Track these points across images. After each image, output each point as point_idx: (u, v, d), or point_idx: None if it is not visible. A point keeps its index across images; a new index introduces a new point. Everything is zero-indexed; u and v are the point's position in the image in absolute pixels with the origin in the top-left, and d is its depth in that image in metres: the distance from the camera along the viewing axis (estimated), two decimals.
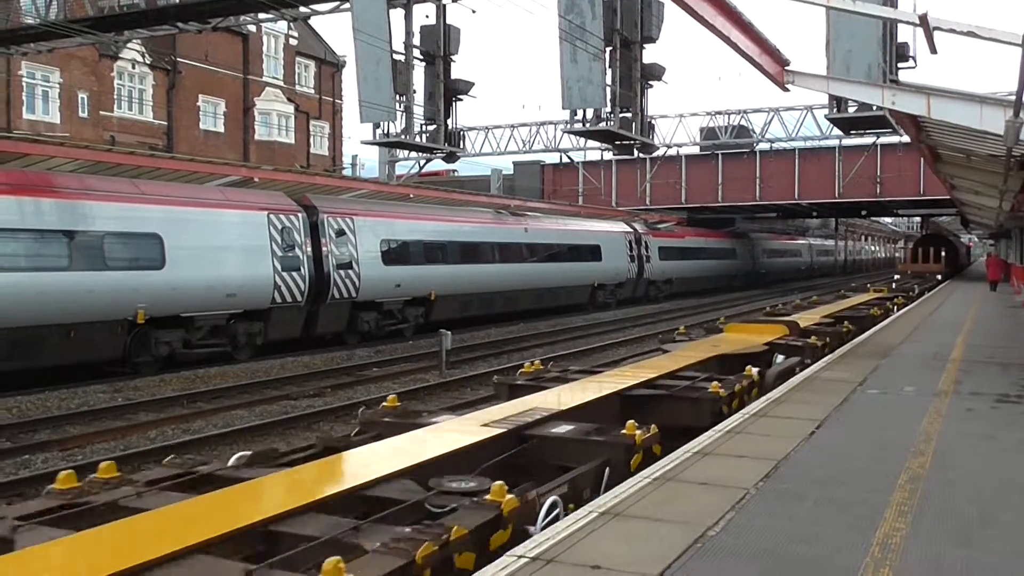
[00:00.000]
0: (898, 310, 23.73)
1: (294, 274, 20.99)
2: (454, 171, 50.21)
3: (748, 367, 10.39)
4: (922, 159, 29.19)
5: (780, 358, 12.39)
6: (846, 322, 17.25)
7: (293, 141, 50.01)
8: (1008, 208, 25.47)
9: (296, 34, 50.05)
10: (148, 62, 42.06)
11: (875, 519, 5.39)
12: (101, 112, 39.65)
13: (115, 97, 40.82)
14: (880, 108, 14.42)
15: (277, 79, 49.22)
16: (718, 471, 6.56)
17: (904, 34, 17.12)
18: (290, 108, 49.71)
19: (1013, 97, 8.92)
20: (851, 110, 23.70)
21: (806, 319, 17.55)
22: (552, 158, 51.10)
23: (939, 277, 47.84)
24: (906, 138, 22.95)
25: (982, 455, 7.19)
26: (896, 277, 48.68)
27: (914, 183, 42.69)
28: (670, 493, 5.99)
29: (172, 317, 18.36)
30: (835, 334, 15.66)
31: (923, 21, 7.20)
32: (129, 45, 39.16)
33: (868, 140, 41.13)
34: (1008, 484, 6.29)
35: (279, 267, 20.60)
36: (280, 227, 20.87)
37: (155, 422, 13.45)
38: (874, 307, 22.06)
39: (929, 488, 6.12)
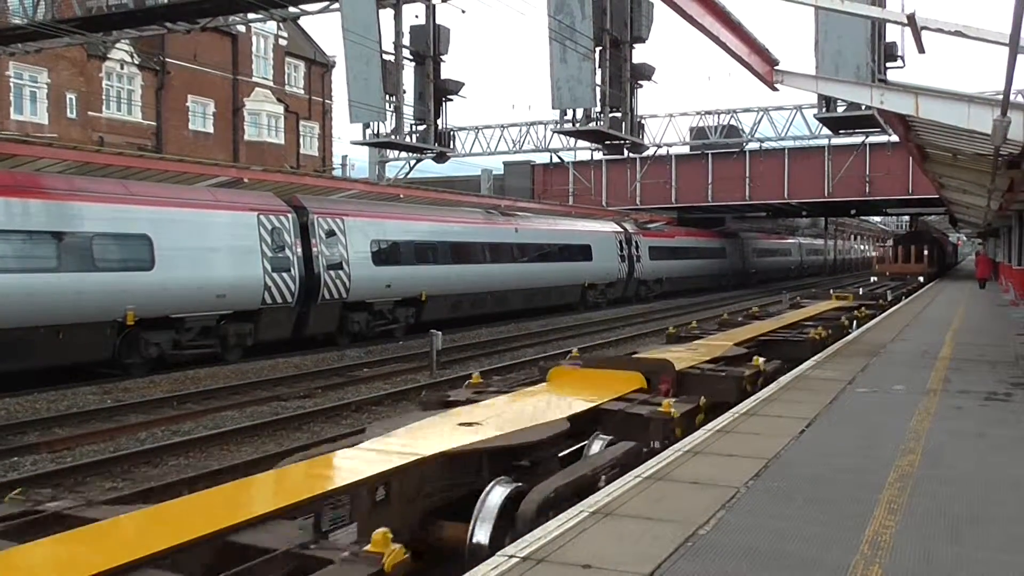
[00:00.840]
0: (858, 326, 18.59)
1: (284, 275, 20.94)
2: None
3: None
4: (911, 158, 29.32)
5: (596, 445, 7.43)
6: (757, 357, 11.24)
7: (283, 141, 49.90)
8: (996, 207, 25.59)
9: (285, 34, 49.94)
10: (136, 62, 41.89)
11: (865, 517, 5.41)
12: (89, 113, 39.48)
13: (103, 97, 40.64)
14: (869, 107, 14.49)
15: (267, 79, 49.10)
16: (709, 470, 6.57)
17: (892, 34, 17.24)
18: (280, 108, 49.60)
19: (1000, 96, 8.97)
20: (840, 109, 23.82)
21: (704, 350, 12.08)
22: (542, 158, 51.16)
23: (921, 279, 42.42)
24: (895, 137, 23.09)
25: (971, 453, 7.23)
26: (872, 280, 44.33)
27: (903, 182, 42.85)
28: (661, 492, 6.00)
29: (162, 318, 18.29)
30: (727, 384, 9.92)
31: (911, 21, 7.23)
32: (117, 45, 39.01)
33: (857, 139, 41.30)
34: (997, 481, 6.32)
35: (269, 268, 20.55)
36: (270, 228, 20.82)
37: (144, 424, 13.40)
38: (819, 326, 15.99)
39: (919, 486, 6.14)
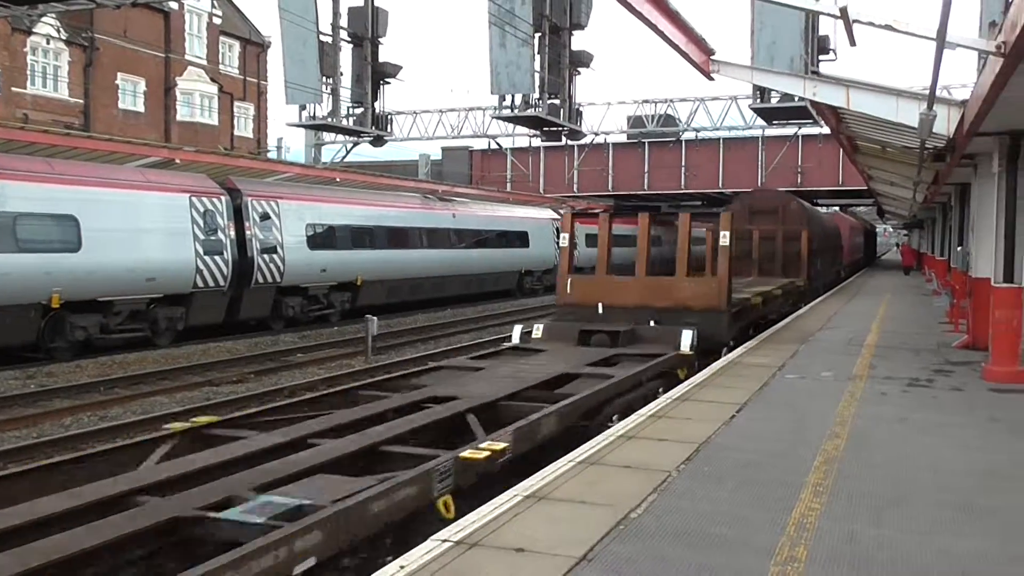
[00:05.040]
0: None
1: (217, 258, 20.58)
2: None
3: None
4: (841, 150, 29.94)
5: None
6: None
7: (216, 122, 48.89)
8: (921, 199, 26.28)
9: (220, 13, 48.87)
10: (64, 38, 40.61)
11: (792, 500, 5.54)
12: (13, 89, 38.18)
13: (28, 73, 39.32)
14: (802, 99, 14.75)
15: (200, 58, 48.00)
16: (641, 454, 6.65)
17: (825, 27, 17.55)
18: (213, 88, 48.58)
19: (927, 91, 9.20)
20: (774, 100, 24.20)
21: None
22: (480, 144, 51.10)
23: (687, 345, 11.97)
24: (827, 129, 23.54)
25: (894, 437, 7.43)
26: (515, 339, 13.45)
27: (834, 173, 43.80)
28: (594, 476, 6.06)
29: (89, 301, 17.84)
30: None
31: (843, 14, 7.35)
32: (43, 19, 37.73)
33: (790, 131, 42.06)
34: (918, 465, 6.51)
35: (201, 251, 20.17)
36: (202, 210, 20.43)
37: (70, 409, 13.07)
38: None
39: (844, 469, 6.30)
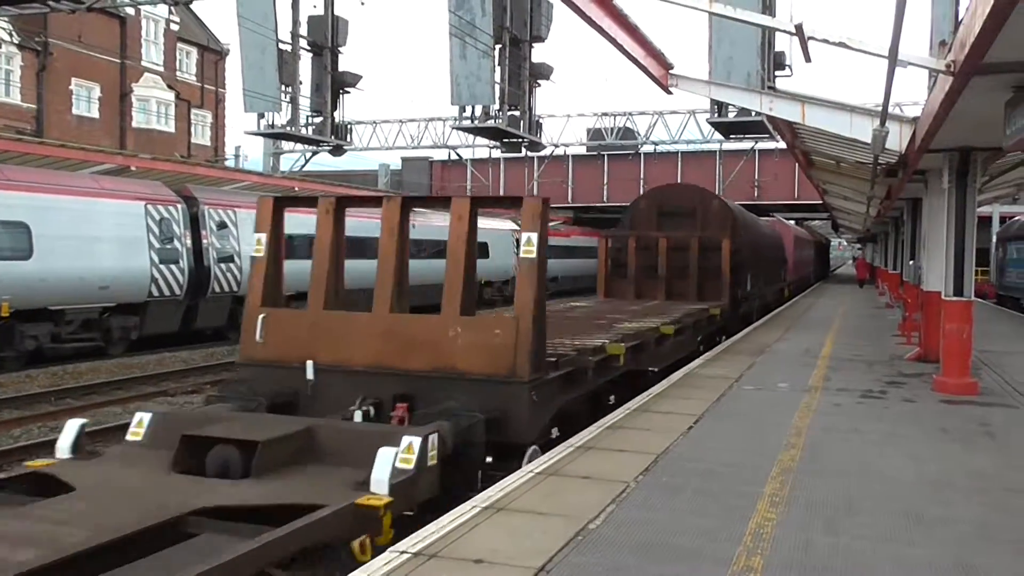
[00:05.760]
0: None
1: (172, 267, 20.34)
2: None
3: None
4: (797, 164, 30.36)
5: None
6: None
7: (173, 130, 48.34)
8: (874, 213, 26.72)
9: (177, 19, 48.37)
10: (16, 42, 39.94)
11: (748, 510, 5.59)
12: None
13: None
14: (759, 113, 14.94)
15: (157, 65, 47.46)
16: (600, 465, 6.67)
17: (781, 43, 17.85)
18: (170, 95, 48.04)
19: (880, 108, 9.37)
20: (731, 115, 24.50)
21: None
22: (440, 154, 51.11)
23: (379, 487, 5.48)
24: (783, 144, 23.87)
25: (848, 447, 7.54)
26: (63, 451, 6.31)
27: (789, 187, 44.43)
28: (553, 487, 6.07)
29: (40, 310, 17.52)
30: None
31: (798, 30, 7.47)
32: None
33: (747, 145, 42.61)
34: (871, 474, 6.61)
35: (156, 259, 19.92)
36: (158, 218, 20.18)
37: (19, 420, 12.81)
38: None
39: (799, 479, 6.38)
